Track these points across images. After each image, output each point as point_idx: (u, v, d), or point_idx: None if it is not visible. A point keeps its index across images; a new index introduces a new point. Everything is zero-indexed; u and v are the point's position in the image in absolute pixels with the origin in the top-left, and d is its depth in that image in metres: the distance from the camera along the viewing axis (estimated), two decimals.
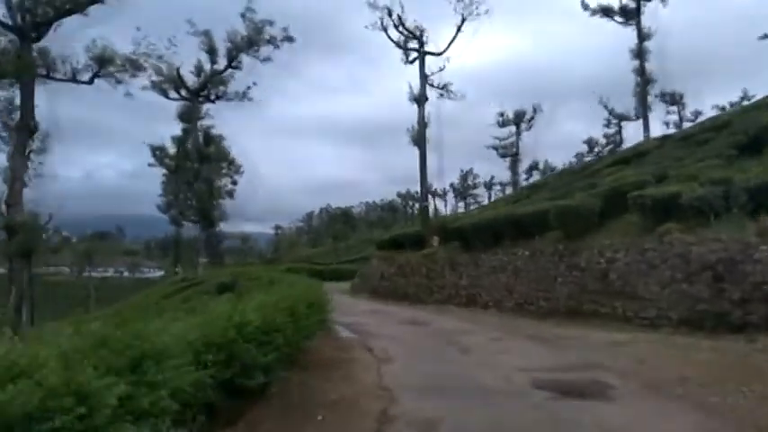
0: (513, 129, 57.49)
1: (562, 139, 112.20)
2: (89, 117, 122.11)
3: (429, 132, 29.88)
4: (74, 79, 24.81)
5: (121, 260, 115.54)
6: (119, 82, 26.21)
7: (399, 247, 26.93)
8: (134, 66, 26.37)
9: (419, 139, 29.42)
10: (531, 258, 17.96)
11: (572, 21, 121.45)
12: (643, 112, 40.48)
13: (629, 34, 41.02)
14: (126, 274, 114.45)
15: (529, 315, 16.91)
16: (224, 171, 56.29)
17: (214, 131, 39.10)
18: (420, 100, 29.84)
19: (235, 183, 56.80)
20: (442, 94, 31.34)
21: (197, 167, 37.22)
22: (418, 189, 31.33)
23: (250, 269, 31.78)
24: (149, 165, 43.04)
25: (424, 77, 30.28)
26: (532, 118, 57.17)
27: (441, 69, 31.05)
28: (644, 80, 39.59)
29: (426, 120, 29.68)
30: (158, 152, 49.69)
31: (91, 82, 25.36)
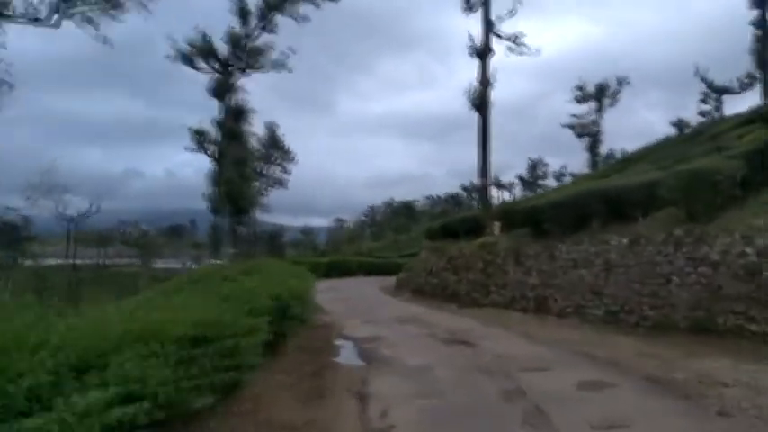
0: (593, 105, 50.41)
1: (639, 128, 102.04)
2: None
3: (492, 97, 24.31)
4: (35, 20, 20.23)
5: (188, 253, 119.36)
6: (90, 22, 21.59)
7: (452, 235, 21.91)
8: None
9: (479, 101, 23.85)
10: (630, 248, 12.55)
11: (649, 6, 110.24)
12: (764, 72, 32.95)
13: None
14: (190, 264, 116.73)
15: (627, 330, 11.65)
16: (276, 160, 53.19)
17: (247, 107, 35.25)
18: (483, 52, 24.23)
19: (286, 171, 53.42)
20: (511, 48, 25.53)
21: (225, 145, 33.43)
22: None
23: (260, 262, 28.25)
24: (185, 149, 39.84)
25: (488, 24, 24.63)
26: (617, 92, 49.90)
27: (510, 13, 25.24)
28: (766, 33, 32.15)
29: (490, 77, 24.12)
30: (200, 136, 46.62)
31: (57, 25, 20.64)
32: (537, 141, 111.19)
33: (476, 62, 24.50)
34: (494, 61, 24.69)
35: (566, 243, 14.49)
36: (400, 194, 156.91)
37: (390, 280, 28.59)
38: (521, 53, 25.61)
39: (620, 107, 51.49)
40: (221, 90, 32.30)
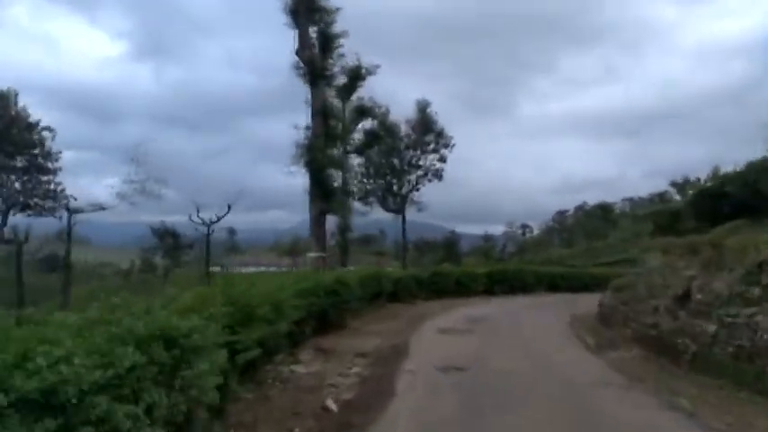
0: None
1: None
2: None
3: None
4: None
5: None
6: None
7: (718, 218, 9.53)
8: None
9: None
10: None
11: None
12: None
13: None
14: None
15: None
16: (431, 146, 43.76)
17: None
18: None
19: (443, 160, 43.60)
20: None
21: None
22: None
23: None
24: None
25: None
26: None
27: None
28: None
29: None
30: None
31: None
32: None
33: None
34: None
35: None
36: (592, 198, 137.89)
37: (586, 303, 16.83)
38: None
39: None
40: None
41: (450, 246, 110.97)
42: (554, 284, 29.92)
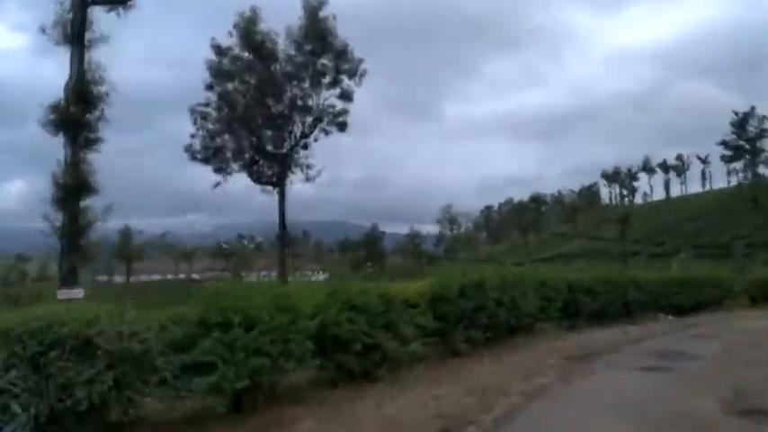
0: None
1: None
2: None
3: None
4: None
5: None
6: None
7: None
8: None
9: None
10: None
11: None
12: None
13: None
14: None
15: None
16: (328, 76, 30.40)
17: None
18: None
19: (347, 97, 30.03)
20: None
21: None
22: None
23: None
24: None
25: None
26: None
27: None
28: None
29: None
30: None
31: None
32: None
33: None
34: None
35: None
36: (515, 197, 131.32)
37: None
38: None
39: None
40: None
41: (371, 243, 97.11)
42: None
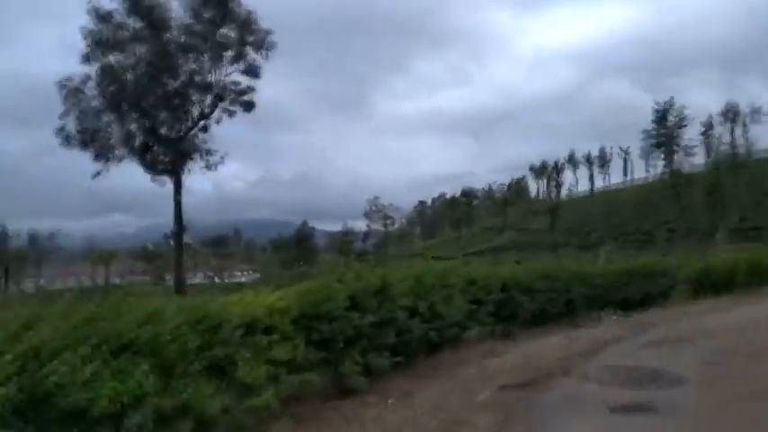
0: None
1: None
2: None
3: None
4: None
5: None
6: None
7: None
8: None
9: None
10: None
11: None
12: None
13: None
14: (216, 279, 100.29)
15: None
16: (231, 50, 26.27)
17: None
18: None
19: (253, 72, 26.26)
20: None
21: None
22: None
23: None
24: None
25: None
26: None
27: None
28: None
29: None
30: None
31: None
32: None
33: None
34: None
35: None
36: (449, 192, 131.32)
37: None
38: None
39: None
40: None
41: (302, 241, 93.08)
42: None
